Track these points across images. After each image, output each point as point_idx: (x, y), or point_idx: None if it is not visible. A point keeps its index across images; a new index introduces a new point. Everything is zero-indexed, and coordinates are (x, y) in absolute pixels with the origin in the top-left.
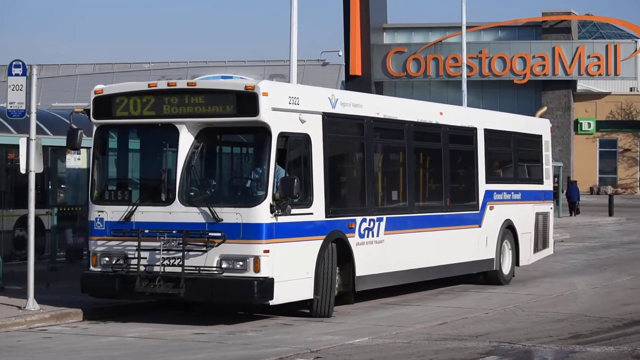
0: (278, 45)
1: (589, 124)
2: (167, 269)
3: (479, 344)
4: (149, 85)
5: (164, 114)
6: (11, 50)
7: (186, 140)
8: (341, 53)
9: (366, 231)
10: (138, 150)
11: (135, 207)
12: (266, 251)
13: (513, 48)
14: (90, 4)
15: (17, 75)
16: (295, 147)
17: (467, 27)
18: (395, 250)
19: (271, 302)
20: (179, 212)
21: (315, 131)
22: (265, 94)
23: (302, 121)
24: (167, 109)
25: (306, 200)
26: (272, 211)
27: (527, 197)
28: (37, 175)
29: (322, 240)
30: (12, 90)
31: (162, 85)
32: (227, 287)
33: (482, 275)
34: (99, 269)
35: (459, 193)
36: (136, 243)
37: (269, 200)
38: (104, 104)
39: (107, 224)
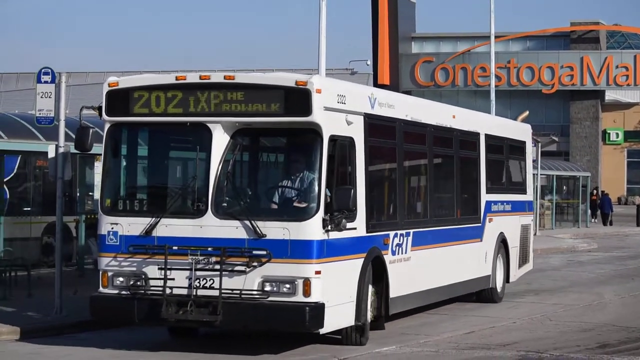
0: (306, 53)
1: (617, 134)
2: (201, 292)
3: (506, 353)
4: (177, 78)
5: (194, 112)
6: (40, 58)
7: (220, 142)
8: (369, 62)
9: (397, 247)
10: (160, 153)
11: (159, 219)
12: (317, 272)
13: (541, 58)
14: (118, 11)
15: (46, 82)
16: (341, 152)
17: (496, 37)
18: (419, 268)
19: (321, 331)
20: (213, 227)
21: (357, 134)
22: (318, 91)
23: (349, 123)
24: (198, 106)
25: (353, 213)
26: (324, 226)
27: (515, 208)
28: (65, 182)
29: (363, 259)
30: (41, 97)
31: (192, 78)
32: (273, 314)
33: (476, 294)
34: (113, 291)
35: (466, 204)
36: (160, 261)
37: (320, 213)
38: (120, 99)
39: (122, 239)
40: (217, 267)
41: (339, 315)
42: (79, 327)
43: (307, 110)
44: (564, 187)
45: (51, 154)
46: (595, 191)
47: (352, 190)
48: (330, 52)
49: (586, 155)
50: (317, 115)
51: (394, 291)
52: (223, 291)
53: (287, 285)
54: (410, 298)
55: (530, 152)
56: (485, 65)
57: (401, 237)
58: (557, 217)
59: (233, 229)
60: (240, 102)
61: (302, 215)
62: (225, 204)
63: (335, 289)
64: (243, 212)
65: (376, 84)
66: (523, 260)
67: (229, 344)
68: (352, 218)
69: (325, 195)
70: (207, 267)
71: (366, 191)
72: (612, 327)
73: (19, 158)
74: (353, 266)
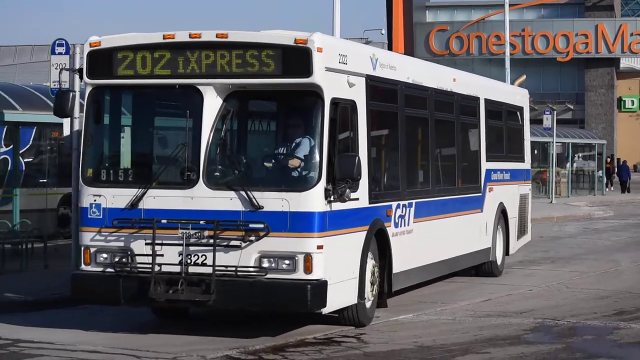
0: (321, 23)
1: (632, 102)
2: (192, 269)
3: (523, 320)
4: (165, 37)
5: (183, 74)
6: (54, 30)
7: (213, 106)
8: (384, 31)
9: (400, 219)
10: (147, 118)
11: (145, 190)
12: (320, 247)
13: (556, 26)
14: None
15: (60, 54)
16: (343, 116)
17: (510, 5)
18: (422, 241)
19: (324, 311)
20: (205, 198)
21: (359, 97)
22: (319, 50)
23: (351, 85)
24: (188, 67)
25: (358, 182)
26: (326, 196)
27: (514, 177)
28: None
29: (366, 232)
30: (55, 68)
31: (182, 36)
32: (271, 292)
33: (475, 268)
34: (96, 269)
35: (467, 173)
36: (148, 236)
37: (322, 183)
38: (102, 60)
39: (106, 212)
40: (210, 241)
41: (342, 293)
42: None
43: (308, 71)
44: (578, 156)
45: (66, 125)
46: (609, 159)
47: (357, 158)
48: (345, 21)
49: (601, 122)
50: (319, 76)
51: (397, 266)
52: (217, 268)
53: (287, 262)
54: (413, 273)
55: (528, 118)
56: (500, 33)
57: (404, 208)
58: (573, 185)
59: (227, 201)
60: (234, 62)
61: (303, 185)
62: (218, 173)
63: (337, 264)
64: (238, 182)
65: None
66: (521, 231)
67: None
68: (354, 188)
69: (328, 163)
70: (199, 242)
71: (368, 159)
72: (628, 294)
73: (34, 130)
74: (356, 240)
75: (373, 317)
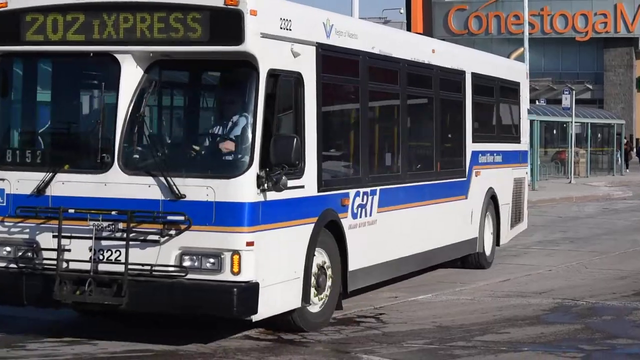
0: (339, 1)
1: None
2: (103, 267)
3: (542, 300)
4: None
5: (99, 40)
6: None
7: (131, 78)
8: (402, 10)
9: (360, 209)
10: (58, 91)
11: (53, 174)
12: (250, 243)
13: (575, 5)
14: None
15: None
16: (285, 91)
17: None
18: (388, 233)
19: (254, 318)
20: (120, 184)
21: (308, 69)
22: (253, 13)
23: (296, 54)
24: (104, 32)
25: (297, 168)
26: (259, 184)
27: (507, 159)
28: None
29: (313, 225)
30: None
31: None
32: (192, 296)
33: (461, 259)
34: None
35: (448, 156)
36: (55, 227)
37: (255, 168)
38: (9, 23)
39: (10, 198)
40: (124, 236)
41: (280, 296)
42: None
43: (238, 37)
44: (599, 135)
45: None
46: (626, 139)
47: (296, 140)
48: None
49: (620, 102)
50: (252, 44)
51: (355, 262)
52: (131, 266)
53: (212, 260)
54: (376, 270)
55: (526, 95)
56: (519, 12)
57: (365, 197)
58: (591, 165)
59: (145, 188)
60: (156, 26)
61: (231, 170)
62: (136, 156)
63: (274, 263)
64: (157, 166)
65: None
66: (516, 219)
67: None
68: (298, 174)
69: (263, 146)
70: (112, 236)
71: (318, 140)
72: None
73: None
74: (300, 234)
75: (326, 321)
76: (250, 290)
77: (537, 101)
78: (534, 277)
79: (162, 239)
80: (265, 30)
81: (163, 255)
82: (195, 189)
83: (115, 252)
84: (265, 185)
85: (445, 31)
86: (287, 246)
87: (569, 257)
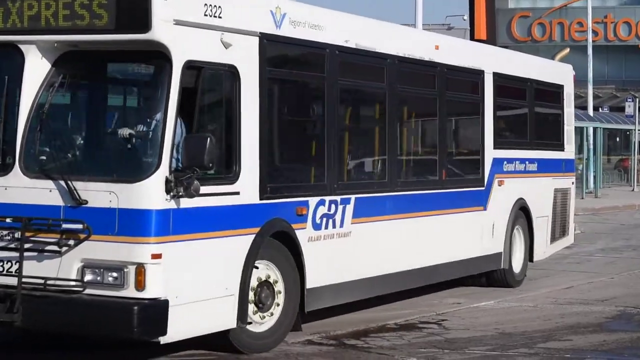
0: (403, 8)
1: None
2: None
3: (604, 308)
4: None
5: (2, 29)
6: None
7: (36, 71)
8: (466, 17)
9: (324, 219)
10: None
11: None
12: (156, 256)
13: (638, 13)
14: None
15: None
16: (211, 86)
17: None
18: (367, 247)
19: (162, 340)
20: (20, 188)
21: (247, 62)
22: None
23: (226, 45)
24: (8, 20)
25: (229, 172)
26: (168, 189)
27: (545, 168)
28: None
29: (253, 236)
30: None
31: None
32: (90, 314)
33: (485, 275)
34: None
35: (458, 162)
36: None
37: (163, 171)
38: None
39: None
40: (17, 246)
41: (204, 315)
42: None
43: (145, 24)
44: None
45: None
46: None
47: (209, 140)
48: (427, 7)
49: None
50: (161, 32)
51: (316, 279)
52: (27, 280)
53: (114, 274)
54: (351, 287)
55: (571, 99)
56: (582, 20)
57: (333, 206)
58: None
59: (46, 193)
60: (61, 13)
61: (135, 173)
62: (42, 157)
63: (194, 279)
64: (58, 169)
65: (472, 39)
66: (560, 232)
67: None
68: (231, 179)
69: (173, 146)
70: (8, 246)
71: (262, 142)
72: None
73: None
74: (233, 246)
75: (276, 342)
76: (156, 309)
77: (600, 109)
78: (597, 284)
79: (62, 250)
80: (181, 16)
81: (64, 267)
82: (98, 194)
83: (9, 263)
84: (176, 190)
85: (509, 38)
86: (214, 259)
87: (631, 265)
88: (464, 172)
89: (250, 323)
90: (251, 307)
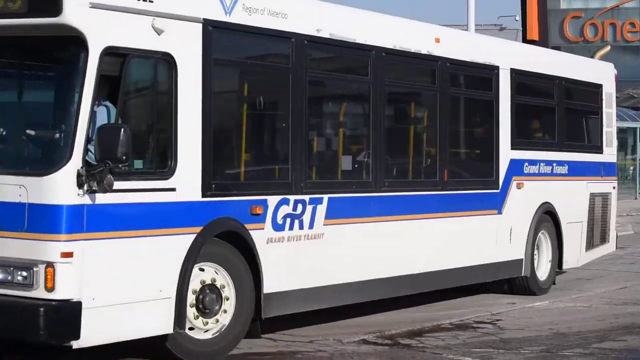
0: (455, 9)
1: None
2: None
3: None
4: None
5: None
6: None
7: None
8: (518, 17)
9: (288, 219)
10: None
11: None
12: (67, 254)
13: None
14: None
15: None
16: (141, 74)
17: None
18: (344, 250)
19: (75, 345)
20: None
21: (187, 51)
22: None
23: (158, 31)
24: None
25: (162, 167)
26: (80, 184)
27: (578, 171)
28: None
29: (194, 235)
30: None
31: None
32: None
33: (507, 282)
34: None
35: (465, 163)
36: None
37: (75, 164)
38: None
39: None
40: None
41: (132, 319)
42: None
43: (56, 7)
44: None
45: None
46: None
47: (123, 131)
48: (479, 8)
49: None
50: (74, 15)
51: (276, 283)
52: None
53: (23, 273)
54: (318, 294)
55: (612, 99)
56: (635, 20)
57: (299, 205)
58: None
59: None
60: None
61: (45, 166)
62: None
63: (117, 280)
64: None
65: (525, 40)
66: (600, 239)
67: (357, 310)
68: (165, 174)
69: (88, 137)
70: None
71: (205, 136)
72: None
73: None
74: (168, 246)
75: (225, 350)
76: (67, 311)
77: None
78: None
79: None
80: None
81: None
82: (8, 187)
83: None
84: (89, 185)
85: (561, 38)
86: (142, 260)
87: None
88: (473, 173)
89: (192, 329)
90: (192, 312)
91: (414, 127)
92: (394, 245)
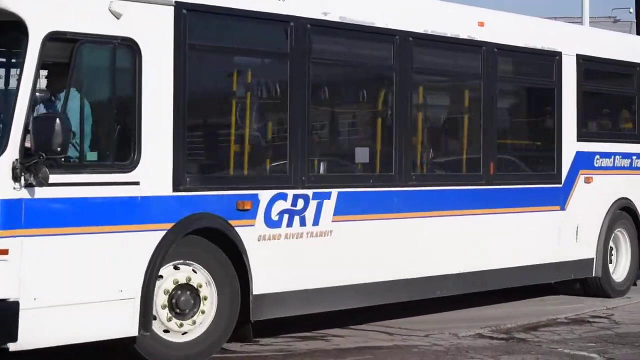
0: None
1: None
2: None
3: None
4: None
5: None
6: None
7: None
8: (632, 10)
9: (286, 215)
10: None
11: None
12: (2, 251)
13: None
14: None
15: None
16: (96, 61)
17: None
18: (358, 249)
19: (12, 347)
20: None
21: (155, 36)
22: None
23: (117, 15)
24: None
25: (123, 159)
26: (15, 176)
27: None
28: None
29: (163, 232)
30: None
31: None
32: None
33: (580, 283)
34: None
35: (519, 156)
36: None
37: (10, 156)
38: None
39: None
40: None
41: (85, 321)
42: None
43: None
44: None
45: None
46: None
47: (58, 120)
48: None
49: None
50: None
51: (271, 284)
52: None
53: None
54: (324, 294)
55: None
56: None
57: (300, 200)
58: None
59: None
60: None
61: None
62: None
63: (65, 279)
64: None
65: (639, 32)
66: None
67: (472, 304)
68: (127, 167)
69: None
70: None
71: (177, 127)
72: None
73: None
74: (130, 244)
75: (206, 353)
76: (1, 311)
77: None
78: None
79: None
80: None
81: None
82: None
83: None
84: (25, 178)
85: None
86: (98, 258)
87: None
88: (528, 167)
89: (167, 331)
90: (165, 314)
91: (447, 118)
92: (427, 244)
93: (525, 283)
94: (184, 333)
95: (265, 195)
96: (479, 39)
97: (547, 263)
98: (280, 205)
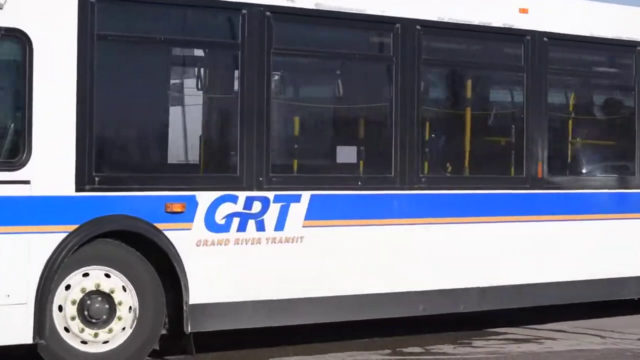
0: None
1: None
2: None
3: None
4: None
5: None
6: None
7: None
8: None
9: (236, 219)
10: None
11: None
12: None
13: None
14: None
15: None
16: None
17: None
18: (334, 257)
19: None
20: None
21: (53, 26)
22: None
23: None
24: None
25: (10, 157)
26: None
27: None
28: None
29: (63, 235)
30: None
31: None
32: None
33: None
34: None
35: (578, 157)
36: None
37: None
38: None
39: None
40: None
41: None
42: None
43: None
44: None
45: None
46: None
47: None
48: None
49: None
50: None
51: (210, 293)
52: None
53: None
54: (277, 307)
55: None
56: None
57: (256, 203)
58: None
59: None
60: None
61: None
62: None
63: None
64: None
65: None
66: None
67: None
68: (13, 166)
69: None
70: None
71: (83, 123)
72: None
73: None
74: (20, 246)
75: None
76: None
77: None
78: None
79: None
80: None
81: None
82: None
83: None
84: None
85: None
86: None
87: None
88: (599, 169)
89: (85, 343)
90: (76, 325)
91: (477, 115)
92: (445, 253)
93: (601, 298)
94: (106, 342)
95: (205, 197)
96: (521, 27)
97: (626, 277)
98: (227, 208)
